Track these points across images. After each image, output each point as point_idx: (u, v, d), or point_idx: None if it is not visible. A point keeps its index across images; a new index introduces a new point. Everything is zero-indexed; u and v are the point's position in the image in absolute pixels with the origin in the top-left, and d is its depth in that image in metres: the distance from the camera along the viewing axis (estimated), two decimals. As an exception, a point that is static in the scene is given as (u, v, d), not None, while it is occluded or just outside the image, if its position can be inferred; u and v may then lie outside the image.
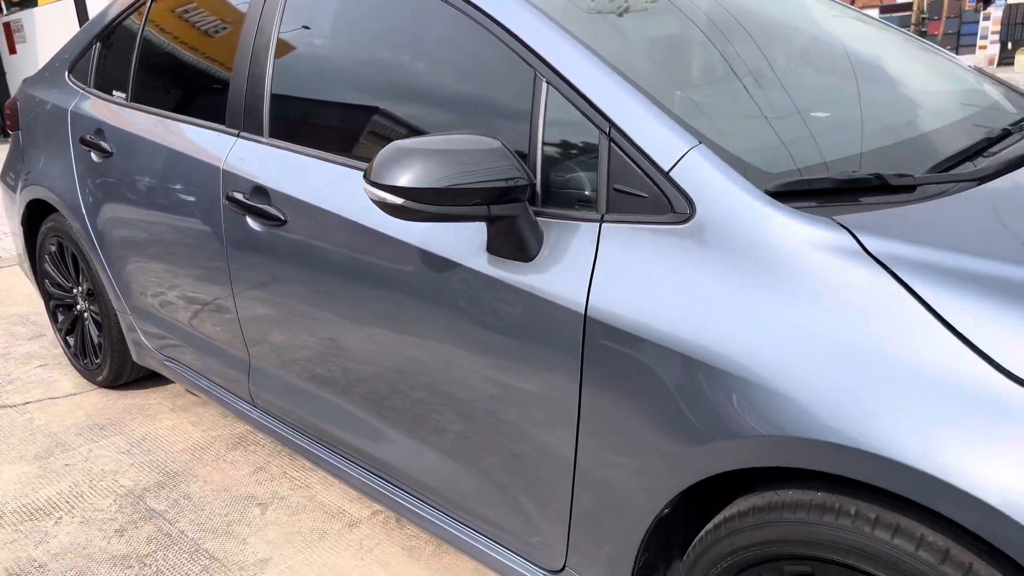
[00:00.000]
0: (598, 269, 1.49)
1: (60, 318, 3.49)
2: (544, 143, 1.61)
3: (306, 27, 2.16)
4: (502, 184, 1.49)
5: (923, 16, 23.56)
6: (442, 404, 1.80)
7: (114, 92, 2.89)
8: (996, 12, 21.53)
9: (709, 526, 1.44)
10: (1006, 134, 1.84)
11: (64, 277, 3.36)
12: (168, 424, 3.07)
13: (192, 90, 2.54)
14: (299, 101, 2.14)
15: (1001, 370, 1.11)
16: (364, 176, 1.52)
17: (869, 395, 1.18)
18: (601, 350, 1.46)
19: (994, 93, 2.26)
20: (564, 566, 1.70)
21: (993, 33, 21.83)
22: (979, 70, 2.48)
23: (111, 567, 2.27)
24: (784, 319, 1.28)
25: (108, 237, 2.85)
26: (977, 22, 23.39)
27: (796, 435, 1.23)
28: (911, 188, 1.49)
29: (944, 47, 21.73)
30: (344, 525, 2.41)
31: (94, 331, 3.27)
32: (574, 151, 1.58)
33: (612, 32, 1.75)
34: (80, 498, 2.62)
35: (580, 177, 1.57)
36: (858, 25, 2.43)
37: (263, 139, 2.19)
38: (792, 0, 2.35)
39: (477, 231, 1.66)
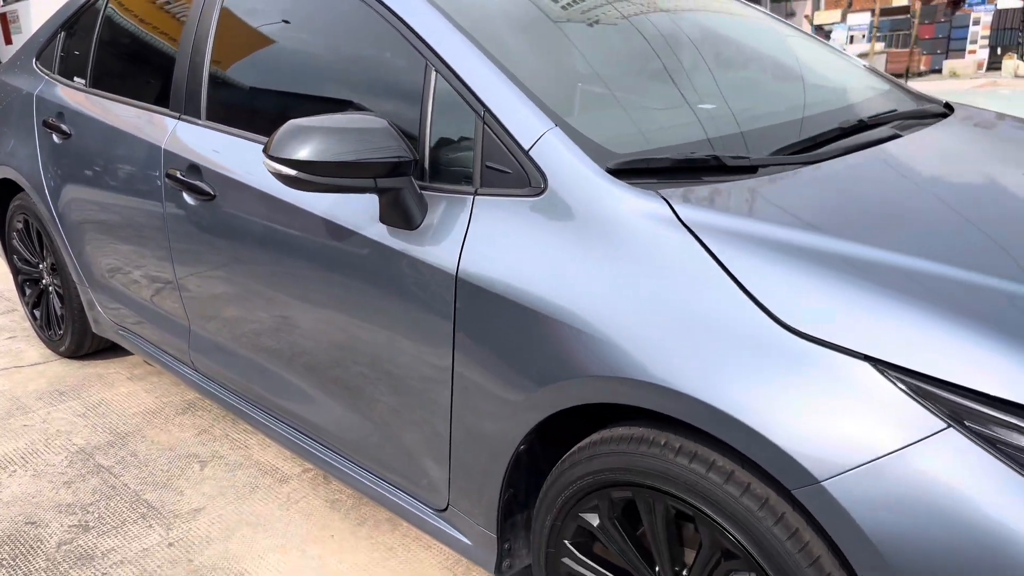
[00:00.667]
0: (469, 236, 1.68)
1: (27, 292, 3.69)
2: (432, 124, 1.81)
3: (238, 21, 2.35)
4: (387, 160, 1.68)
5: (913, 20, 23.72)
6: (346, 361, 2.00)
7: (75, 78, 3.08)
8: (986, 17, 21.72)
9: (559, 462, 1.64)
10: (861, 125, 2.03)
11: (31, 253, 3.55)
12: (124, 391, 3.27)
13: (142, 76, 2.74)
14: (231, 86, 2.34)
15: (773, 317, 1.30)
16: (263, 150, 1.71)
17: (671, 340, 1.38)
18: (468, 306, 1.66)
19: (876, 88, 2.45)
20: (448, 505, 1.89)
21: (983, 38, 22.00)
22: (871, 68, 2.67)
23: (57, 513, 2.47)
24: (611, 277, 1.47)
25: (66, 213, 3.05)
26: (967, 26, 23.55)
27: (616, 375, 1.42)
28: (753, 169, 1.69)
29: (935, 51, 21.50)
30: (275, 480, 2.61)
31: (57, 304, 3.46)
32: (456, 132, 1.78)
33: (500, 27, 1.94)
34: (34, 455, 2.81)
35: (460, 155, 1.77)
36: (741, 19, 2.63)
37: (200, 121, 2.39)
38: None
39: (372, 204, 1.85)
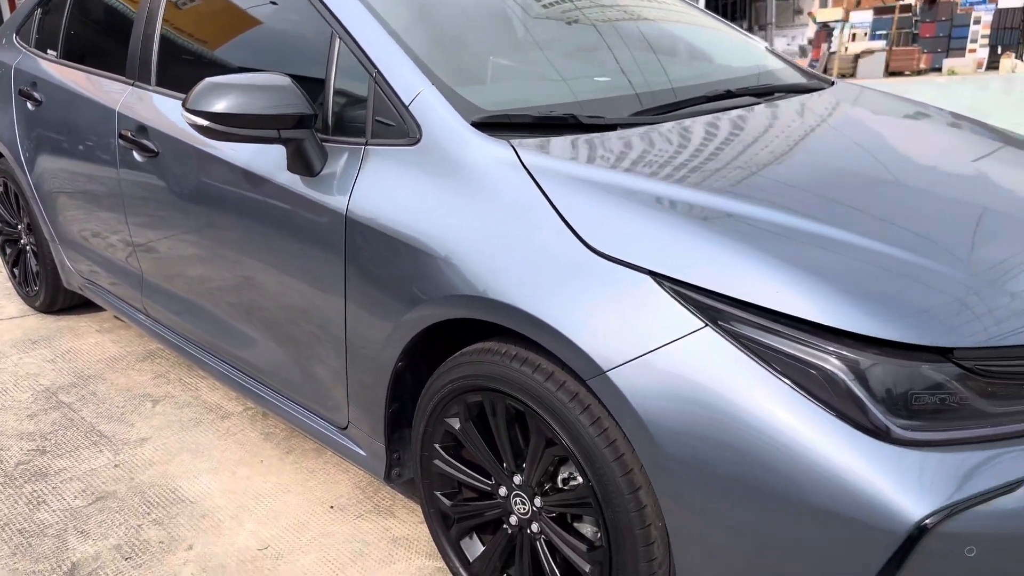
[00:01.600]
0: (358, 181, 1.94)
1: (8, 251, 3.96)
2: (334, 84, 2.06)
3: (184, -6, 2.62)
4: (289, 113, 1.93)
5: (915, 19, 23.81)
6: (264, 298, 2.25)
7: (48, 50, 3.35)
8: (987, 16, 21.82)
9: (432, 376, 1.89)
10: (726, 94, 2.27)
11: (10, 214, 3.82)
12: (92, 341, 3.54)
13: (106, 48, 3.00)
14: (176, 55, 2.61)
15: (582, 241, 1.55)
16: (183, 104, 1.97)
17: (506, 263, 1.63)
18: (355, 242, 1.91)
19: (765, 66, 2.69)
20: (348, 423, 2.15)
21: (983, 37, 22.09)
22: (770, 49, 2.91)
23: (18, 440, 2.74)
24: (464, 212, 1.73)
25: (38, 175, 3.32)
26: (968, 25, 23.63)
27: (464, 293, 1.68)
28: (612, 127, 1.93)
29: (936, 50, 21.50)
30: (218, 417, 2.87)
31: (33, 262, 3.74)
32: (353, 91, 2.03)
33: (399, 1, 2.19)
34: (3, 392, 3.09)
35: (356, 111, 2.02)
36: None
37: (150, 87, 2.65)
38: None
39: (282, 154, 2.10)
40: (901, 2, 22.87)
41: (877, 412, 1.30)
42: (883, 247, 1.48)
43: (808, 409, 1.32)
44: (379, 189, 1.89)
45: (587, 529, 1.70)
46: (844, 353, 1.32)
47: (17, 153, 3.42)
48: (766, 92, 2.39)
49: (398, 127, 1.91)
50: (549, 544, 1.74)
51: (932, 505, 1.25)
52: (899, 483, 1.27)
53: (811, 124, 2.12)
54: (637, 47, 2.55)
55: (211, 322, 2.56)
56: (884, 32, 23.30)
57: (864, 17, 23.61)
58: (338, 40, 2.06)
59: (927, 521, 1.25)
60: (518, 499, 1.77)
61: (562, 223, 1.60)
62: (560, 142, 1.80)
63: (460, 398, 1.80)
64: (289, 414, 2.35)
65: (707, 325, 1.40)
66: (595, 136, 1.87)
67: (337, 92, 2.06)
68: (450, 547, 1.95)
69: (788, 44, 26.97)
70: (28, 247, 3.75)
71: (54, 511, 2.36)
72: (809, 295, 1.37)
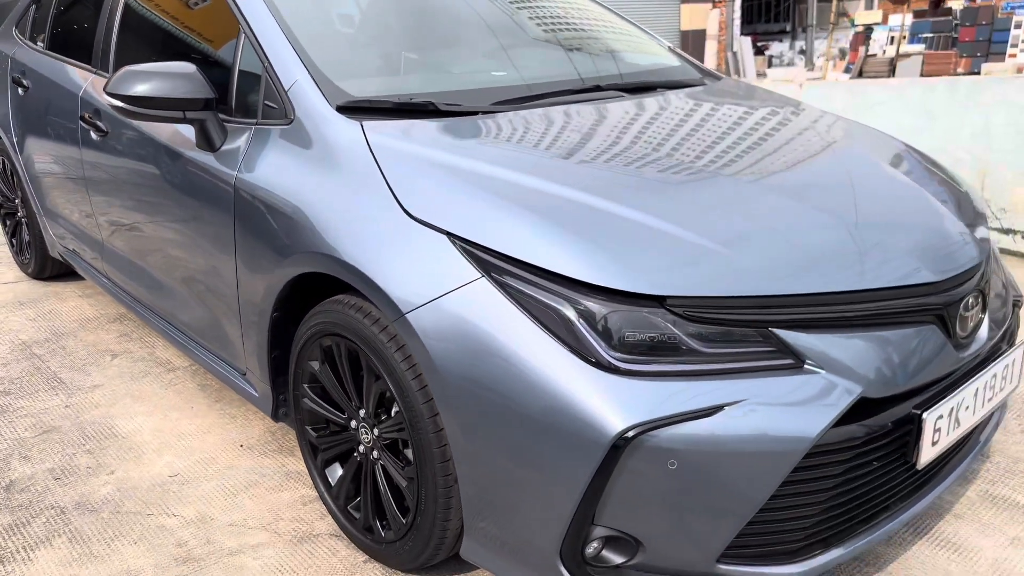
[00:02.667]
0: (246, 155, 2.25)
1: (7, 223, 4.38)
2: (238, 73, 2.38)
3: (135, -7, 2.97)
4: (192, 97, 2.26)
5: (955, 23, 23.49)
6: (183, 258, 2.59)
7: (37, 41, 3.74)
8: (1030, 21, 21.49)
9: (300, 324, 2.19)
10: (594, 87, 2.54)
11: (8, 189, 4.23)
12: (72, 304, 3.93)
13: (80, 39, 3.37)
14: (126, 46, 2.96)
15: (402, 207, 1.84)
16: (103, 87, 2.31)
17: (345, 225, 1.93)
18: (241, 206, 2.23)
19: (657, 63, 2.95)
20: (246, 368, 2.47)
21: (1023, 42, 21.78)
22: (672, 49, 3.16)
23: (-12, 383, 3.13)
24: (324, 182, 2.03)
25: (26, 153, 3.71)
26: (1008, 30, 23.28)
27: (317, 250, 1.98)
28: (470, 113, 2.22)
29: (975, 54, 21.36)
30: (165, 370, 3.23)
31: (26, 232, 4.14)
32: (252, 79, 2.35)
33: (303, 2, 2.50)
34: (-15, 344, 3.48)
35: (252, 96, 2.34)
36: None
37: (107, 74, 3.00)
38: None
39: (192, 132, 2.43)
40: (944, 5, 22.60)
41: (599, 348, 1.57)
42: (640, 216, 1.74)
43: (548, 345, 1.59)
44: (260, 161, 2.20)
45: (410, 453, 1.99)
46: (576, 298, 1.60)
47: (10, 134, 3.82)
48: (641, 87, 2.65)
49: (280, 109, 2.22)
50: (385, 469, 2.04)
51: (634, 420, 1.52)
52: (611, 404, 1.53)
53: (652, 115, 2.38)
54: (529, 43, 2.82)
55: (150, 283, 2.90)
56: (924, 35, 23.05)
57: (905, 21, 23.37)
58: (243, 35, 2.38)
59: (629, 433, 1.51)
60: (363, 430, 2.06)
61: (389, 192, 1.89)
62: (405, 124, 2.10)
63: (317, 343, 2.10)
64: (207, 364, 2.68)
65: (483, 276, 1.69)
66: (444, 121, 2.15)
67: (240, 79, 2.38)
68: (317, 474, 2.26)
69: (830, 46, 26.79)
70: (22, 219, 4.15)
71: (5, 440, 2.73)
72: (558, 252, 1.64)
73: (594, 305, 1.59)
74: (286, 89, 2.20)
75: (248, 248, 2.23)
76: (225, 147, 2.33)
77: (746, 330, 1.62)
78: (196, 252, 2.49)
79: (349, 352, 2.00)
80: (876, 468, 1.72)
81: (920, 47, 22.97)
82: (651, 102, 2.50)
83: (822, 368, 1.62)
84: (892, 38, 24.15)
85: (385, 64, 2.50)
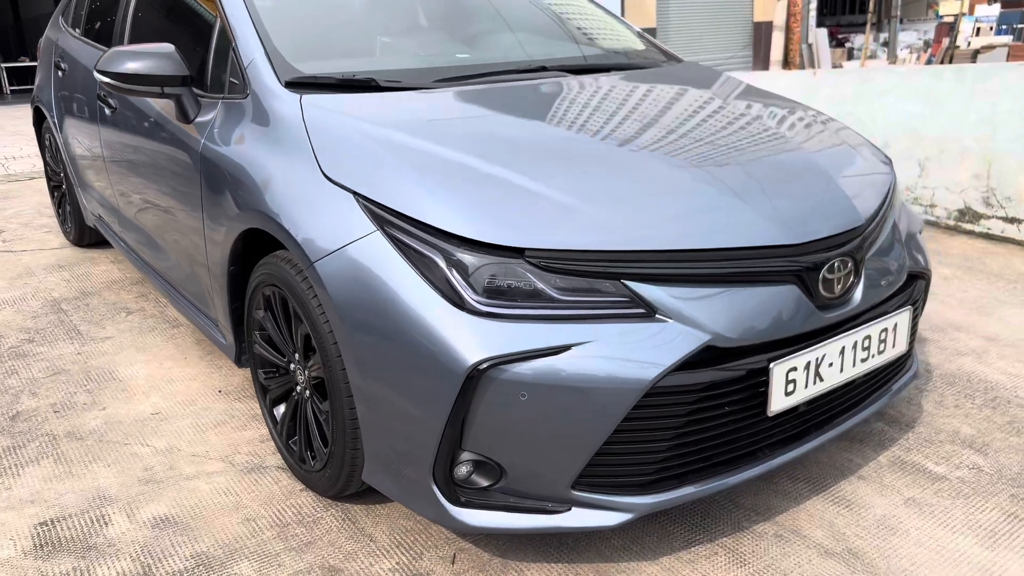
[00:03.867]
0: (212, 126, 2.53)
1: (55, 195, 4.81)
2: (213, 54, 2.66)
3: (144, -17, 3.29)
4: (169, 75, 2.54)
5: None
6: (171, 222, 2.89)
7: (75, 28, 4.12)
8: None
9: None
10: (542, 69, 2.73)
11: (55, 163, 4.66)
12: (103, 268, 4.32)
13: (104, 24, 3.73)
14: (137, 30, 3.28)
15: (322, 171, 2.08)
16: (93, 66, 2.62)
17: (278, 186, 2.18)
18: (205, 170, 2.51)
19: (616, 48, 3.12)
20: (217, 319, 2.75)
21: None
22: (640, 33, 3.32)
23: (17, 332, 3.51)
24: (269, 149, 2.28)
25: (63, 129, 4.10)
26: (1103, 21, 22.18)
27: (256, 208, 2.24)
28: (411, 88, 2.45)
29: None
30: (170, 326, 3.56)
31: (68, 203, 4.56)
32: (223, 59, 2.62)
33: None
34: (22, 300, 3.88)
35: (223, 75, 2.61)
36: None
37: (120, 56, 3.34)
38: None
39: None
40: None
41: (465, 293, 1.77)
42: (518, 179, 1.93)
43: (425, 291, 1.80)
44: (222, 131, 2.47)
45: (332, 391, 2.23)
46: (449, 250, 1.80)
47: (52, 113, 4.22)
48: (588, 69, 2.82)
49: (240, 84, 2.49)
50: (313, 405, 2.28)
51: (487, 354, 1.72)
52: (469, 340, 1.74)
53: (576, 92, 2.56)
54: (492, 29, 3.03)
55: (152, 246, 3.23)
56: (1011, 27, 22.19)
57: (991, 12, 22.55)
58: (219, 20, 2.66)
59: (483, 365, 1.71)
60: (298, 371, 2.31)
61: (313, 157, 2.13)
62: (340, 97, 2.33)
63: (260, 292, 2.36)
64: (191, 316, 2.98)
65: (377, 230, 1.91)
66: (378, 95, 2.38)
67: (214, 58, 2.66)
68: (267, 413, 2.52)
69: (918, 39, 25.93)
70: (65, 191, 4.57)
71: (20, 379, 3.09)
72: (437, 209, 1.85)
73: (464, 256, 1.80)
74: (245, 66, 2.46)
75: (210, 209, 2.50)
76: (198, 119, 2.61)
77: (601, 281, 1.80)
78: (177, 215, 2.79)
79: (282, 300, 2.25)
80: (730, 413, 1.88)
81: (1007, 39, 22.11)
82: (585, 81, 2.68)
83: (670, 318, 1.79)
84: (978, 29, 23.31)
85: (345, 46, 2.74)
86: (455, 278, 1.79)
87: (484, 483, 1.86)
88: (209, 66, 2.67)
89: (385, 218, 1.91)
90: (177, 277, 3.03)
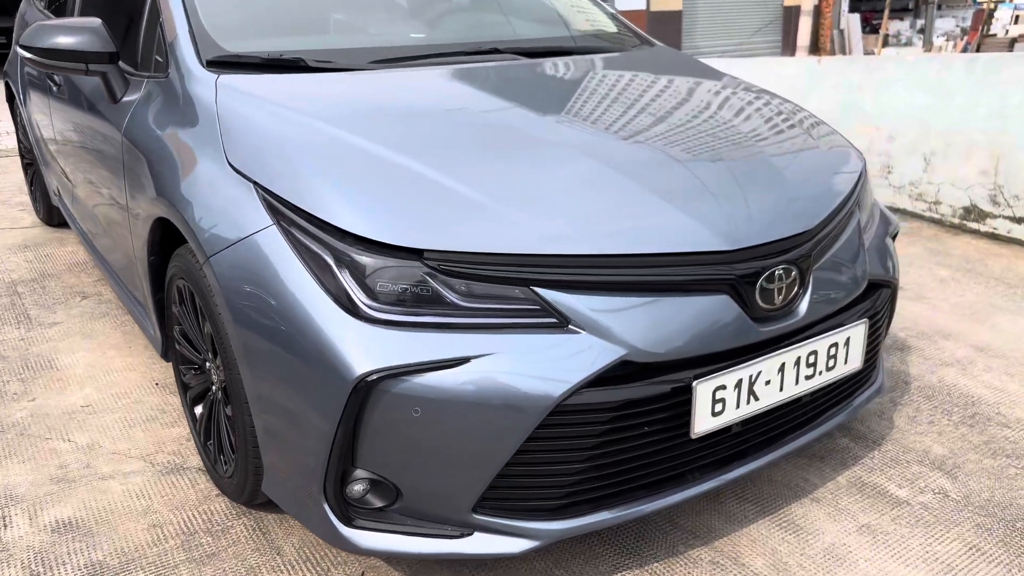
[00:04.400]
0: (135, 106, 2.39)
1: (27, 173, 4.72)
2: (144, 32, 2.51)
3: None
4: (93, 51, 2.40)
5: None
6: (104, 203, 2.76)
7: (41, 2, 4.00)
8: None
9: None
10: (493, 51, 2.56)
11: (26, 140, 4.55)
12: (68, 250, 4.22)
13: (67, 4, 3.59)
14: (87, 8, 3.14)
15: (227, 159, 1.93)
16: (17, 41, 2.48)
17: (189, 174, 2.03)
18: (126, 153, 2.37)
19: (590, 31, 2.93)
20: (147, 308, 2.62)
21: None
22: (613, 15, 3.12)
23: (-35, 315, 3.42)
24: (180, 133, 2.14)
25: (27, 105, 3.99)
26: None
27: (165, 197, 2.09)
28: (343, 70, 2.28)
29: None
30: (121, 312, 3.44)
31: (38, 180, 4.46)
32: (152, 37, 2.47)
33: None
34: (-21, 281, 3.79)
35: (151, 53, 2.46)
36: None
37: (69, 32, 3.20)
38: None
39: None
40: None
41: (356, 296, 1.62)
42: (427, 171, 1.77)
43: (315, 293, 1.65)
44: (142, 113, 2.33)
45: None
46: (341, 248, 1.65)
47: (18, 89, 4.11)
48: (546, 52, 2.64)
49: (164, 62, 2.34)
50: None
51: (376, 365, 1.56)
52: (357, 349, 1.58)
53: (521, 78, 2.38)
54: (452, 9, 2.85)
55: (93, 227, 3.11)
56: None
57: (1030, -1, 21.91)
58: (150, 1, 2.50)
59: (371, 377, 1.56)
60: (213, 369, 2.18)
61: (220, 143, 1.98)
62: (258, 79, 2.18)
63: (175, 285, 2.22)
64: (126, 302, 2.86)
65: (273, 224, 1.76)
66: (299, 76, 2.22)
67: (145, 36, 2.51)
68: (188, 412, 2.39)
69: (956, 25, 25.25)
70: (36, 169, 4.46)
71: (-44, 365, 2.99)
72: (332, 202, 1.70)
73: (357, 255, 1.64)
74: (168, 43, 2.31)
75: (131, 195, 2.37)
76: (125, 99, 2.47)
77: (508, 287, 1.63)
78: (108, 199, 2.66)
79: (191, 294, 2.11)
80: (650, 434, 1.71)
81: (1049, 24, 21.34)
82: (535, 66, 2.50)
83: (584, 329, 1.62)
84: (1017, 17, 22.61)
85: (287, 23, 2.57)
86: (346, 281, 1.63)
87: (379, 503, 1.71)
88: (140, 42, 2.52)
89: (281, 211, 1.75)
90: (114, 261, 2.90)
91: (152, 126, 2.24)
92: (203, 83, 2.15)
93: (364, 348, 1.58)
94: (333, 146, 1.86)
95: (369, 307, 1.61)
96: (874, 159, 4.84)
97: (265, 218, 1.77)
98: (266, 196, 1.79)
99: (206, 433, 2.27)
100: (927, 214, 4.64)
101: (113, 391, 2.80)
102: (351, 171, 1.78)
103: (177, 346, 2.34)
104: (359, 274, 1.63)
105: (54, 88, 3.18)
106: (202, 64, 2.21)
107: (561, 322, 1.63)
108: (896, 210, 4.79)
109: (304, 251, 1.69)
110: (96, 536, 2.09)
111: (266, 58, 2.28)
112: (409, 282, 1.62)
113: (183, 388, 2.40)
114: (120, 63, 2.49)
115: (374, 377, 1.57)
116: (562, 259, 1.64)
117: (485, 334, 1.61)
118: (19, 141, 4.70)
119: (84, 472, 2.36)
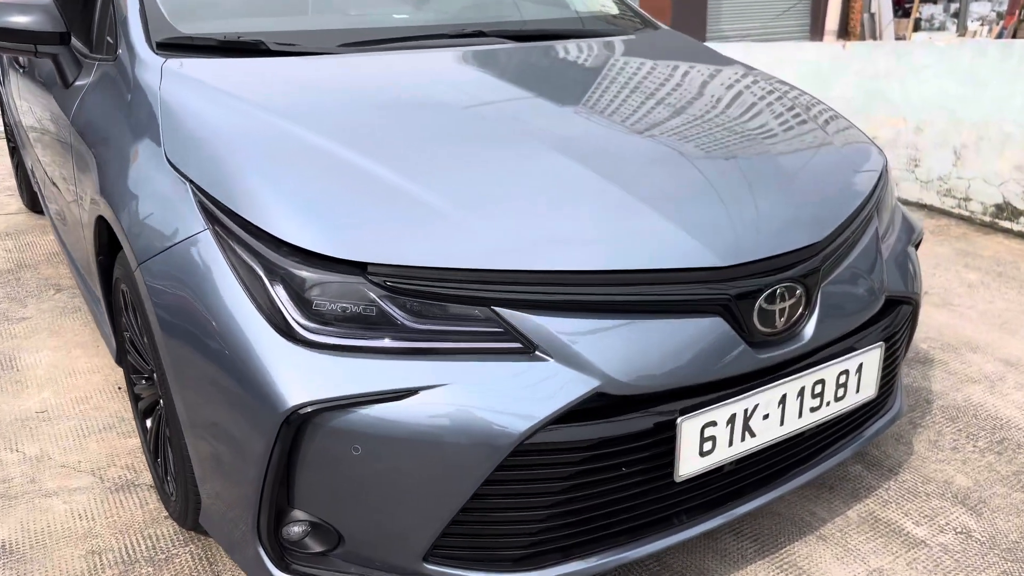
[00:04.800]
0: (84, 90, 2.19)
1: (13, 158, 4.56)
2: (98, 16, 2.30)
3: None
4: (41, 31, 2.20)
5: None
6: (63, 193, 2.57)
7: None
8: None
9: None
10: (479, 34, 2.33)
11: (11, 125, 4.39)
12: (50, 239, 4.05)
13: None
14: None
15: (166, 155, 1.72)
16: (-38, 21, 2.28)
17: (123, 172, 1.83)
18: (73, 143, 2.17)
19: (592, 14, 2.69)
20: (103, 305, 2.43)
21: None
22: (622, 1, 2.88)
23: (-68, 308, 3.26)
24: (126, 122, 1.94)
25: (7, 86, 3.82)
26: None
27: (100, 195, 1.89)
28: (307, 54, 2.07)
29: None
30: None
31: (21, 165, 4.29)
32: (107, 22, 2.26)
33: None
34: (-47, 271, 3.63)
35: (103, 35, 2.26)
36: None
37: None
38: None
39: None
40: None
41: (290, 316, 1.41)
42: (380, 171, 1.56)
43: (247, 309, 1.45)
44: (90, 98, 2.13)
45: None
46: (276, 259, 1.44)
47: (1, 69, 3.95)
48: (539, 35, 2.41)
49: (114, 44, 2.14)
50: (172, 424, 1.95)
51: (309, 397, 1.36)
52: (290, 377, 1.38)
53: (502, 65, 2.16)
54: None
55: (59, 218, 2.92)
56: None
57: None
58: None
59: (305, 409, 1.36)
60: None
61: (160, 135, 1.78)
62: (209, 64, 1.97)
63: (119, 289, 2.03)
64: (86, 298, 2.68)
65: (207, 228, 1.55)
66: (255, 61, 2.01)
67: (100, 14, 2.31)
68: (138, 424, 2.21)
69: (991, 9, 24.49)
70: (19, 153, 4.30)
71: (-87, 363, 2.83)
72: (268, 206, 1.49)
73: (293, 268, 1.43)
74: (118, 23, 2.11)
75: (78, 189, 2.18)
76: (77, 83, 2.27)
77: (466, 307, 1.42)
78: (65, 189, 2.47)
79: (128, 293, 1.92)
80: (628, 475, 1.50)
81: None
82: (520, 52, 2.27)
83: (552, 356, 1.41)
84: (1055, 1, 21.94)
85: (254, 1, 2.36)
86: (280, 298, 1.43)
87: (319, 548, 1.51)
88: (94, 23, 2.32)
89: (215, 215, 1.55)
90: (75, 255, 2.72)
91: (98, 115, 2.05)
92: (149, 68, 1.95)
93: (298, 376, 1.38)
94: (279, 141, 1.66)
95: (305, 328, 1.41)
96: (900, 152, 4.56)
97: (199, 222, 1.57)
98: (201, 197, 1.58)
99: (155, 449, 2.09)
100: (956, 211, 4.36)
101: (73, 395, 2.63)
102: (295, 171, 1.57)
103: (127, 355, 2.15)
104: (295, 290, 1.42)
105: (19, 69, 2.99)
106: (151, 46, 2.01)
107: (526, 348, 1.42)
108: (923, 206, 4.51)
109: (238, 261, 1.49)
110: (28, 563, 1.92)
111: (222, 40, 2.07)
112: (351, 300, 1.41)
113: (134, 399, 2.21)
114: (76, 43, 2.29)
115: (308, 410, 1.36)
116: (529, 275, 1.43)
117: (438, 361, 1.40)
118: (5, 125, 4.54)
119: (28, 488, 2.18)
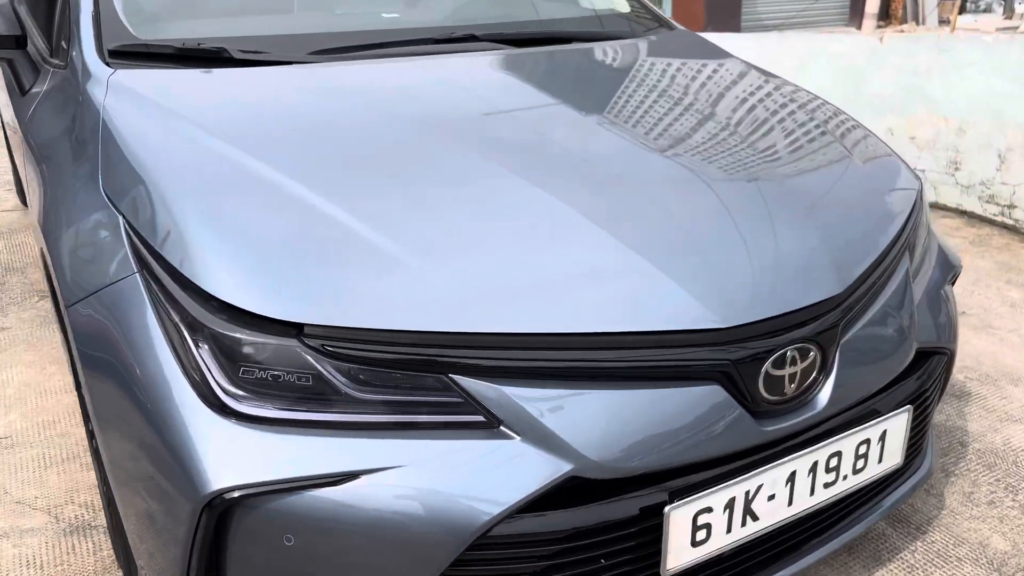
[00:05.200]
0: (39, 99, 2.02)
1: (11, 154, 4.43)
2: (59, 15, 2.12)
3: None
4: (-3, 33, 2.03)
5: None
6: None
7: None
8: None
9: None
10: (470, 37, 2.11)
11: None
12: (43, 238, 3.91)
13: None
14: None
15: (100, 182, 1.54)
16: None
17: (57, 200, 1.66)
18: (28, 153, 2.00)
19: (602, 14, 2.46)
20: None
21: None
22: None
23: (-89, 315, 3.13)
24: (66, 143, 1.76)
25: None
26: None
27: (38, 223, 1.72)
28: (275, 63, 1.88)
29: None
30: (78, 317, 3.11)
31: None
32: (66, 26, 2.07)
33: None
34: (-61, 274, 3.51)
35: (62, 41, 2.08)
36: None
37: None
38: None
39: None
40: None
41: (215, 383, 1.23)
42: (330, 210, 1.37)
43: (171, 372, 1.27)
44: (43, 105, 1.96)
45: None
46: (201, 317, 1.25)
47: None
48: (539, 39, 2.19)
49: (68, 51, 1.96)
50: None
51: (232, 481, 1.18)
52: (213, 455, 1.20)
53: (486, 76, 1.95)
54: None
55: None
56: None
57: None
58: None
59: (230, 494, 1.18)
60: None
61: (98, 157, 1.59)
62: (160, 76, 1.78)
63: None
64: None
65: (136, 272, 1.37)
66: (216, 73, 1.82)
67: (60, 16, 2.13)
68: (94, 459, 2.04)
69: (1019, 3, 23.61)
70: (15, 149, 4.18)
71: None
72: (199, 253, 1.30)
73: (220, 328, 1.24)
74: (71, 24, 1.93)
75: (35, 200, 2.00)
76: (33, 90, 2.10)
77: (418, 374, 1.22)
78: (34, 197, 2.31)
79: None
80: (610, 567, 1.30)
81: None
82: (513, 59, 2.06)
83: (518, 433, 1.21)
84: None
85: (226, 3, 2.16)
86: (205, 360, 1.24)
87: (256, 638, 1.33)
88: (55, 29, 2.14)
89: (145, 259, 1.36)
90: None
91: (46, 129, 1.88)
92: (95, 79, 1.77)
93: (222, 453, 1.20)
94: (222, 175, 1.46)
95: (234, 398, 1.22)
96: (940, 153, 4.27)
97: (128, 265, 1.38)
98: (133, 237, 1.40)
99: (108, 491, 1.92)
100: (999, 219, 4.06)
101: (40, 418, 2.48)
102: (234, 210, 1.38)
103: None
104: (223, 353, 1.23)
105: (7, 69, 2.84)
106: (100, 54, 1.83)
107: (489, 422, 1.22)
108: (962, 213, 4.22)
109: (165, 314, 1.30)
110: (-35, 619, 1.76)
111: (180, 48, 1.87)
112: (286, 367, 1.22)
113: (90, 436, 2.04)
114: (35, 47, 2.12)
115: (235, 495, 1.18)
116: (491, 338, 1.22)
117: (387, 438, 1.21)
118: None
119: (-22, 527, 2.03)
